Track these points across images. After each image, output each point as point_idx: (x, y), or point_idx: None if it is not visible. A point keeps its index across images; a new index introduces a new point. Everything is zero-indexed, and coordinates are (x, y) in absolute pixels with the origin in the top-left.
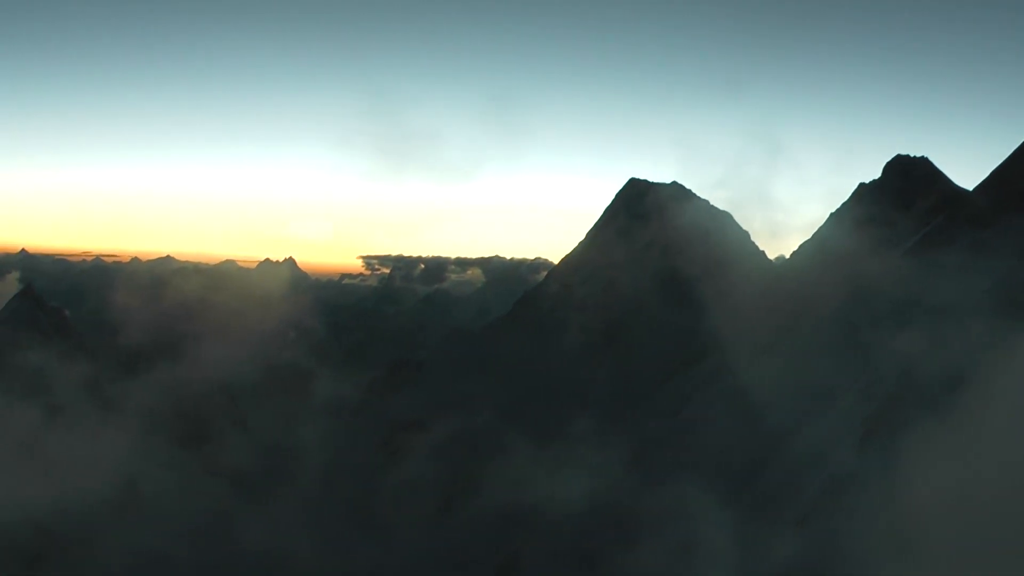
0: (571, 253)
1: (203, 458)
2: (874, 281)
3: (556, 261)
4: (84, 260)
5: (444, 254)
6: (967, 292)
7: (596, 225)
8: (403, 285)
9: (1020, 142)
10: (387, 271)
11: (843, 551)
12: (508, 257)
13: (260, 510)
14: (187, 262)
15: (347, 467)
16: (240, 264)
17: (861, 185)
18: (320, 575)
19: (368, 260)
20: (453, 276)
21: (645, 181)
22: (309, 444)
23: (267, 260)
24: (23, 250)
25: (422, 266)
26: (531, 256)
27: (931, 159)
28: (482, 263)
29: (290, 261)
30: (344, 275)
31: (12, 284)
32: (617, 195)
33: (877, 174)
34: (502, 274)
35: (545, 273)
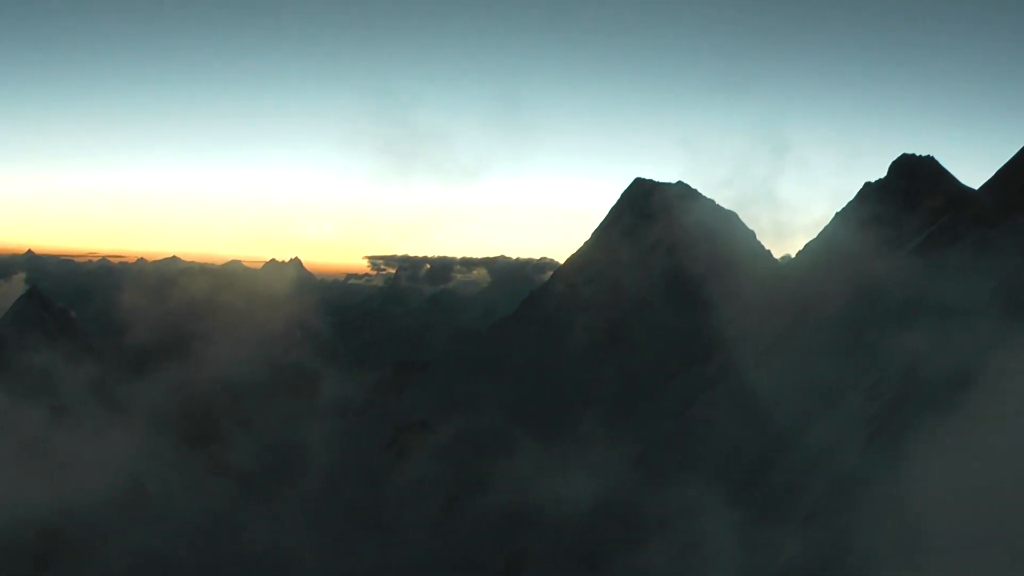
0: (577, 253)
1: (209, 458)
2: (880, 280)
3: (562, 261)
4: (90, 261)
5: (450, 254)
6: (973, 291)
7: (602, 225)
8: (409, 285)
9: None
10: (393, 271)
11: (849, 551)
12: (514, 257)
13: (265, 510)
14: (193, 262)
15: (352, 467)
16: (246, 264)
17: (867, 185)
18: (325, 575)
19: (374, 260)
20: (459, 276)
21: (651, 181)
22: (314, 444)
23: (273, 260)
24: (29, 251)
25: (428, 266)
26: (537, 256)
27: (937, 158)
28: (488, 263)
29: (296, 261)
30: (350, 275)
31: (18, 285)
32: (623, 195)
33: (883, 174)
34: (508, 274)
35: (551, 273)
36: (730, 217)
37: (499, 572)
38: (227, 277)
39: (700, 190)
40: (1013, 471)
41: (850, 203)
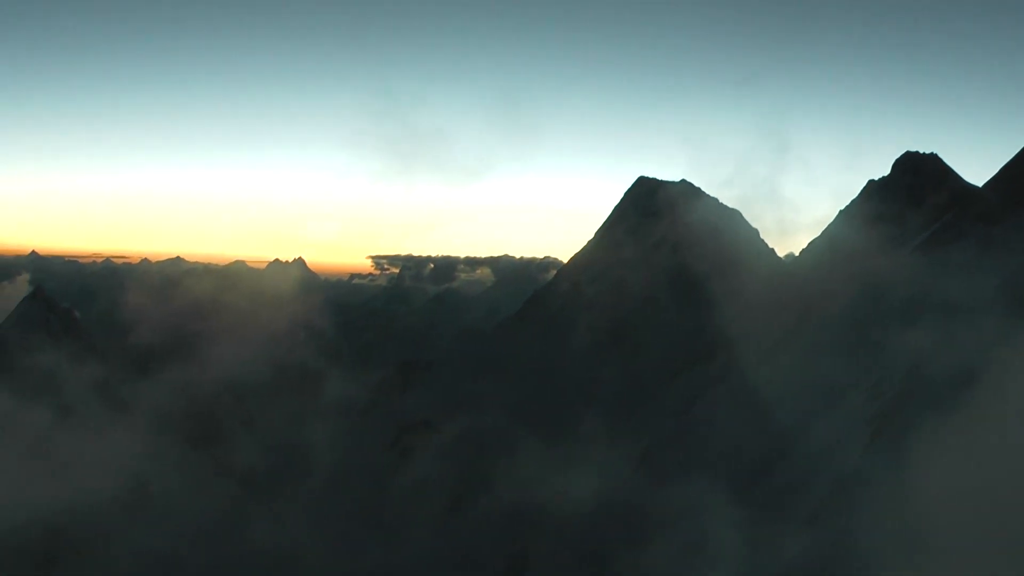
0: (580, 252)
1: (212, 458)
2: (883, 278)
3: (566, 260)
4: (94, 261)
5: (454, 253)
6: (977, 289)
7: (605, 223)
8: (412, 285)
9: None
10: (396, 271)
11: (852, 549)
12: (518, 256)
13: (269, 510)
14: (197, 263)
15: (356, 467)
16: (250, 264)
17: (870, 182)
18: (329, 574)
19: (378, 260)
20: (463, 275)
21: (654, 179)
22: (318, 444)
23: (277, 260)
24: (33, 252)
25: (431, 266)
26: (540, 255)
27: (940, 156)
28: (491, 262)
29: (300, 261)
30: (354, 275)
31: (22, 286)
32: (626, 193)
33: (886, 171)
34: (512, 273)
35: (555, 272)
36: (734, 215)
37: (502, 571)
38: (231, 277)
39: (704, 188)
40: (1017, 470)
41: (854, 201)
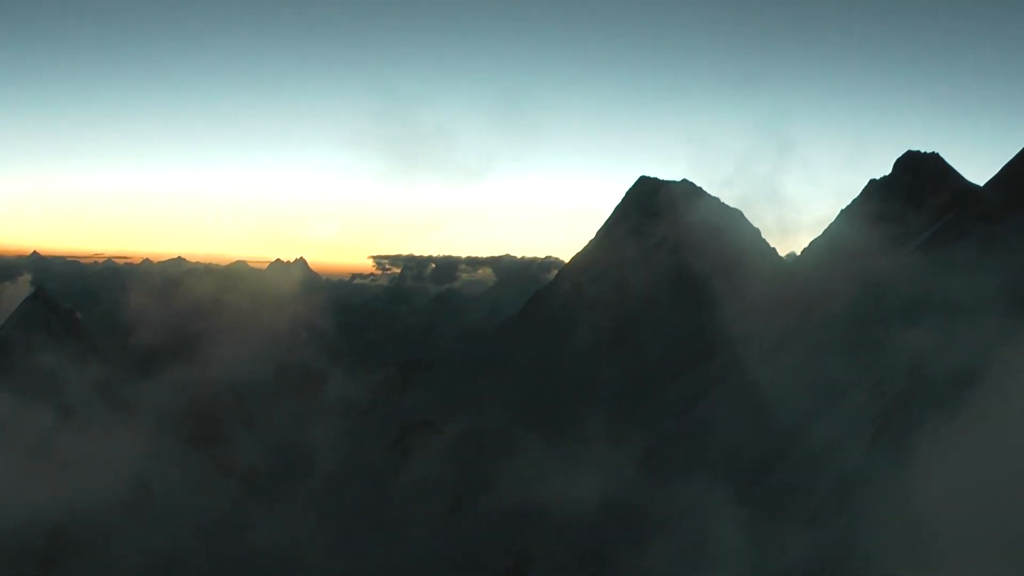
0: (582, 251)
1: (214, 458)
2: (885, 278)
3: (567, 260)
4: (96, 262)
5: (455, 253)
6: (978, 288)
7: (607, 223)
8: (414, 285)
9: None
10: (398, 271)
11: (855, 549)
12: (519, 256)
13: (270, 510)
14: (198, 263)
15: (357, 467)
16: (251, 265)
17: (872, 182)
18: (330, 574)
19: (379, 260)
20: (464, 275)
21: (655, 179)
22: (319, 444)
23: (278, 261)
24: (35, 252)
25: (433, 266)
26: (542, 255)
27: (942, 155)
28: (493, 262)
29: (301, 261)
30: (355, 275)
31: (24, 286)
32: (627, 193)
33: (888, 171)
34: (513, 273)
35: (556, 272)
36: (735, 215)
37: (503, 571)
38: (232, 277)
39: (705, 188)
40: (1018, 470)
41: (855, 200)
